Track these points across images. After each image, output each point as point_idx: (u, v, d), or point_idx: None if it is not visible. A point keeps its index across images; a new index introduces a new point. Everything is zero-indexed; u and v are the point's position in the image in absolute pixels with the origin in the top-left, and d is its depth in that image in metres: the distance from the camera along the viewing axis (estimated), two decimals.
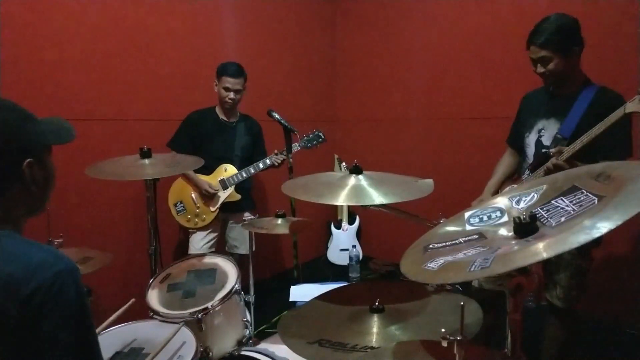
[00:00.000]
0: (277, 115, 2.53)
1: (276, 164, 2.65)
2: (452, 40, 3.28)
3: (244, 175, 2.64)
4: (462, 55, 3.23)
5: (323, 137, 2.78)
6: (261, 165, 2.64)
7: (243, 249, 2.79)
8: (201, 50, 2.97)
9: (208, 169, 2.63)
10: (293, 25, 3.69)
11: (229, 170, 2.66)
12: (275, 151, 2.66)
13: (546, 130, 1.94)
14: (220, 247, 2.77)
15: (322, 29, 3.97)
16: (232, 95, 2.59)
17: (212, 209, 2.62)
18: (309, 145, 2.75)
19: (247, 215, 2.70)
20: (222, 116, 2.71)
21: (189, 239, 2.71)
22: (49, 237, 1.71)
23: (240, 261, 2.83)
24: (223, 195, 2.63)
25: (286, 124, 2.51)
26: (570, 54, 1.81)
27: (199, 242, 2.65)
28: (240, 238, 2.78)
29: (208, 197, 2.61)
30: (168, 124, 2.78)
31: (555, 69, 1.81)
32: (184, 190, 2.62)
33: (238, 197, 2.68)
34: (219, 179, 2.63)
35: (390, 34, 3.66)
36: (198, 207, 2.61)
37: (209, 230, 2.67)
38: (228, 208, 2.66)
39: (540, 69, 1.85)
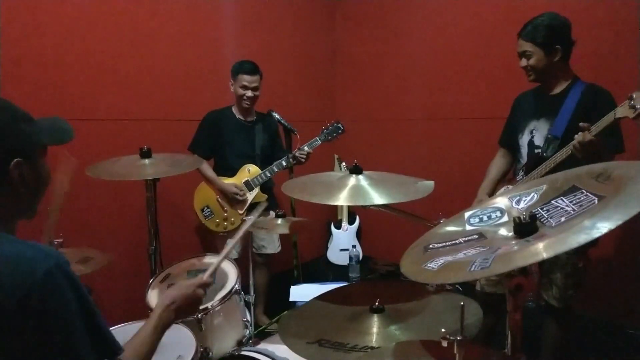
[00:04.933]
0: (277, 116, 2.53)
1: (302, 160, 2.57)
2: (452, 40, 3.28)
3: (268, 174, 2.60)
4: (463, 55, 3.23)
5: (342, 127, 2.70)
6: (284, 163, 2.58)
7: (271, 248, 2.80)
8: (201, 50, 2.97)
9: (230, 170, 2.61)
10: (293, 25, 3.68)
11: (252, 170, 2.63)
12: (298, 147, 2.57)
13: (537, 131, 1.96)
14: (247, 247, 2.75)
15: (322, 29, 3.97)
16: (249, 93, 2.55)
17: (240, 211, 2.61)
18: (329, 138, 2.68)
19: (273, 214, 2.70)
20: (239, 116, 2.66)
21: (208, 239, 2.73)
22: (49, 237, 1.71)
23: (267, 261, 2.85)
24: (250, 196, 2.61)
25: (286, 124, 2.51)
26: (552, 52, 1.85)
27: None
28: (267, 238, 2.78)
29: (236, 200, 2.58)
30: (168, 124, 2.78)
31: (536, 64, 1.87)
32: (210, 195, 2.59)
33: (264, 197, 2.66)
34: (243, 181, 2.61)
35: (391, 34, 3.66)
36: (226, 211, 2.59)
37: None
38: (254, 209, 2.63)
39: (523, 63, 1.91)
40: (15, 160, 0.87)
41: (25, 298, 0.76)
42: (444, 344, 0.83)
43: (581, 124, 1.65)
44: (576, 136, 1.66)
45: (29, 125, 0.93)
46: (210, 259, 2.01)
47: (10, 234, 0.90)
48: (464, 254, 0.87)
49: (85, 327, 0.83)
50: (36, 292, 0.77)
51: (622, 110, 1.55)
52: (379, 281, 3.40)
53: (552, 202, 0.88)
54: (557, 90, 1.92)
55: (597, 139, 1.61)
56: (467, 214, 1.03)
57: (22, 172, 0.89)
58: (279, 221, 1.96)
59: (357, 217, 3.85)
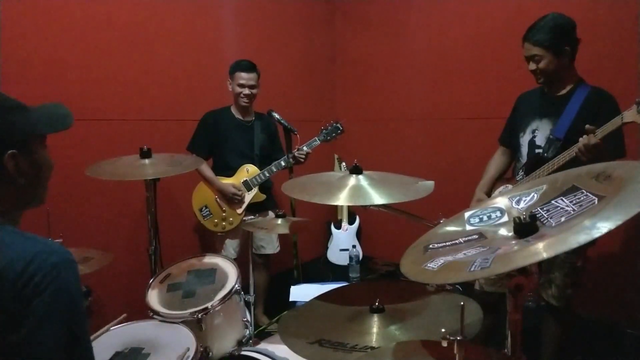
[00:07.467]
0: (277, 116, 2.52)
1: (301, 160, 2.57)
2: (452, 40, 3.28)
3: (267, 174, 2.60)
4: (463, 55, 3.23)
5: (341, 128, 2.70)
6: (283, 163, 2.57)
7: (270, 248, 2.81)
8: (201, 50, 2.97)
9: (229, 170, 2.61)
10: (293, 25, 3.68)
11: (250, 170, 2.62)
12: (297, 147, 2.57)
13: (539, 131, 1.95)
14: (247, 248, 2.75)
15: (322, 29, 3.97)
16: (246, 90, 2.55)
17: (239, 211, 2.60)
18: (328, 138, 2.68)
19: (272, 214, 2.71)
20: (238, 115, 2.66)
21: (208, 239, 2.72)
22: (49, 237, 1.71)
23: (267, 261, 2.86)
24: (248, 196, 2.61)
25: (286, 124, 2.50)
26: (561, 54, 1.82)
27: (229, 247, 2.67)
28: (266, 238, 2.79)
29: (234, 200, 2.58)
30: (168, 124, 2.78)
31: (546, 67, 1.84)
32: (208, 195, 2.59)
33: (263, 197, 2.65)
34: (242, 181, 2.61)
35: (390, 34, 3.66)
36: (224, 211, 2.58)
37: (238, 235, 2.66)
38: (253, 209, 2.63)
39: (532, 66, 1.88)
40: (9, 152, 0.86)
41: (25, 283, 0.77)
42: (444, 344, 0.83)
43: (587, 126, 1.64)
44: (581, 139, 1.65)
45: (22, 116, 0.91)
46: (210, 259, 2.02)
47: (14, 225, 0.89)
48: (464, 254, 0.87)
49: (62, 326, 0.81)
50: (38, 276, 0.77)
51: (629, 115, 1.55)
52: (379, 281, 3.40)
53: (552, 202, 0.88)
54: (562, 91, 1.91)
55: (602, 142, 1.61)
56: (467, 214, 1.03)
57: (18, 163, 0.88)
58: (279, 221, 1.96)
59: (357, 217, 3.85)
